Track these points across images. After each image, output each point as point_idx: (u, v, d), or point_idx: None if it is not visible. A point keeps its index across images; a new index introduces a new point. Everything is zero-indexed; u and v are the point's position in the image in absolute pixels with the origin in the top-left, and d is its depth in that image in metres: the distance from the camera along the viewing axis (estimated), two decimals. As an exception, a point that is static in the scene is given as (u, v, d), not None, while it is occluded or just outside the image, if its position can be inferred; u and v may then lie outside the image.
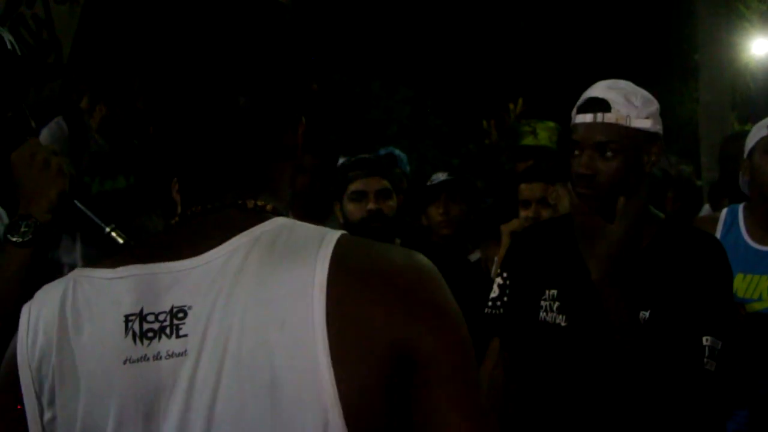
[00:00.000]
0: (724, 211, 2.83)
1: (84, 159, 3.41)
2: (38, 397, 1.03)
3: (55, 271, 3.34)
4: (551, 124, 4.35)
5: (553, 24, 14.60)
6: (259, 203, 1.07)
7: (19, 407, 1.83)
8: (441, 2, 14.37)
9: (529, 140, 4.42)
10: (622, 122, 2.06)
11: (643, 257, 2.07)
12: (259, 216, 1.04)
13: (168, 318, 0.99)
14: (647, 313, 2.03)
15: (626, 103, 2.06)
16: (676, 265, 2.07)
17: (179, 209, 2.28)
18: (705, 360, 1.96)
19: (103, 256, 1.10)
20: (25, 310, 1.07)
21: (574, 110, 2.13)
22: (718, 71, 10.27)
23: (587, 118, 2.08)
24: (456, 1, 14.45)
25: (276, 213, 1.06)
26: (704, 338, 1.98)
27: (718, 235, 2.71)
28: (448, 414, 0.96)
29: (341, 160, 3.36)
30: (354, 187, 2.81)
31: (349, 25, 13.33)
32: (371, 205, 2.76)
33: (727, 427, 2.54)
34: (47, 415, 1.02)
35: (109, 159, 3.45)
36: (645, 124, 2.06)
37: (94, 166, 3.43)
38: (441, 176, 3.83)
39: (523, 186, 3.65)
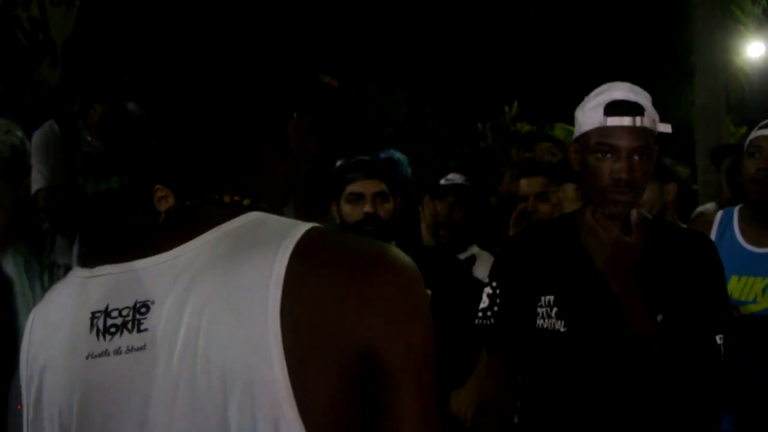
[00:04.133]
0: (720, 212, 2.84)
1: (77, 160, 3.42)
2: (27, 396, 1.06)
3: (52, 271, 3.34)
4: (572, 128, 4.37)
5: (549, 27, 14.61)
6: (236, 198, 1.06)
7: (19, 407, 1.83)
8: (437, 5, 14.37)
9: (545, 130, 4.42)
10: (653, 127, 2.04)
11: (642, 260, 2.07)
12: (234, 211, 1.03)
13: (131, 313, 0.98)
14: (660, 317, 2.03)
15: (651, 106, 2.06)
16: (675, 267, 2.07)
17: (162, 216, 2.28)
18: (721, 359, 1.99)
19: (97, 256, 1.11)
20: (31, 313, 1.10)
21: (599, 111, 2.05)
22: (714, 74, 10.28)
23: (625, 121, 2.01)
24: (452, 4, 14.45)
25: (253, 208, 1.05)
26: (717, 337, 2.00)
27: (712, 236, 2.71)
28: (399, 421, 0.94)
29: (339, 162, 3.36)
30: (351, 188, 2.81)
31: (345, 27, 13.32)
32: (368, 208, 2.76)
33: (722, 427, 2.55)
34: (31, 414, 1.05)
35: (103, 159, 3.45)
36: (667, 128, 2.06)
37: (88, 167, 3.43)
38: (457, 178, 3.82)
39: (522, 181, 3.65)
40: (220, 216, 1.02)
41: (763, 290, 2.61)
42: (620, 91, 2.05)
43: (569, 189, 3.37)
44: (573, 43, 14.50)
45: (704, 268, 2.09)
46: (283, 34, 1.11)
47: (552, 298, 2.10)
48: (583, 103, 2.11)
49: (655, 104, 2.12)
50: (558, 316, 2.08)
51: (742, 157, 2.71)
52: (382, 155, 5.06)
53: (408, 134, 14.76)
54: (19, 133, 2.39)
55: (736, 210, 2.78)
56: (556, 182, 3.46)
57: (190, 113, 1.05)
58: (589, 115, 2.06)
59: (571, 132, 2.32)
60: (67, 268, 3.36)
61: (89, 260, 1.09)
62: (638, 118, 2.01)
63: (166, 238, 1.02)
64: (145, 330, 0.97)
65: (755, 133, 2.66)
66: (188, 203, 1.07)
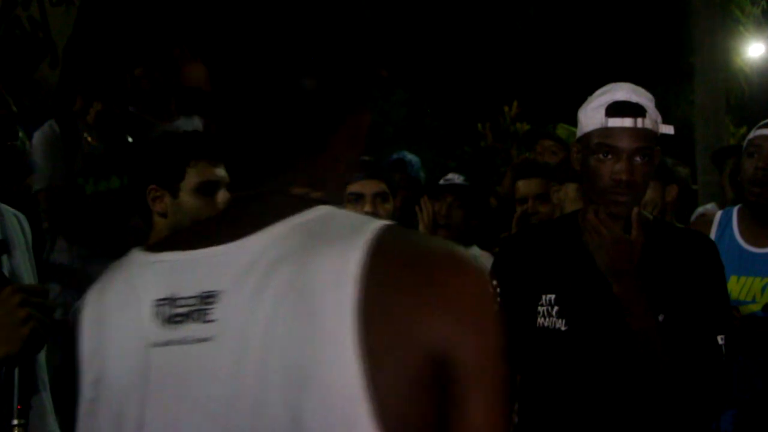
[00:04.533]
0: (719, 213, 2.84)
1: (77, 161, 3.42)
2: (83, 378, 1.04)
3: (51, 272, 3.34)
4: (574, 129, 4.38)
5: (549, 28, 14.61)
6: (305, 191, 1.03)
7: (19, 407, 1.82)
8: (436, 5, 14.38)
9: (548, 128, 4.42)
10: (654, 128, 2.05)
11: (641, 260, 2.08)
12: (304, 204, 1.00)
13: (197, 303, 0.96)
14: (661, 317, 2.03)
15: (653, 108, 2.06)
16: (677, 267, 2.08)
17: (155, 217, 2.26)
18: (723, 359, 1.99)
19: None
20: (87, 294, 1.08)
21: (600, 112, 2.05)
22: (714, 74, 10.29)
23: (626, 122, 2.02)
24: (452, 5, 14.46)
25: (322, 202, 1.02)
26: (718, 337, 2.01)
27: (712, 236, 2.71)
28: (469, 423, 0.92)
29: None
30: (352, 188, 2.81)
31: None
32: (368, 208, 2.76)
33: (720, 426, 2.55)
34: (87, 394, 1.03)
35: (103, 160, 3.45)
36: (669, 130, 2.07)
37: (88, 168, 3.43)
38: (456, 179, 3.82)
39: (520, 183, 3.64)
40: (289, 208, 0.99)
41: (762, 290, 2.62)
42: (623, 92, 2.06)
43: (570, 189, 3.37)
44: (573, 43, 14.51)
45: (705, 268, 2.09)
46: (360, 22, 1.08)
47: (553, 296, 2.10)
48: (585, 104, 2.11)
49: (655, 104, 2.13)
50: (559, 315, 2.09)
51: (742, 157, 2.71)
52: (394, 157, 5.07)
53: (408, 134, 14.77)
54: (20, 134, 2.40)
55: (735, 210, 2.78)
56: (557, 182, 3.46)
57: (264, 101, 1.02)
58: (591, 115, 2.06)
59: (573, 132, 2.32)
60: (67, 268, 3.36)
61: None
62: (640, 120, 2.02)
63: (232, 227, 1.00)
64: (212, 321, 0.95)
65: (754, 133, 2.67)
66: (254, 193, 1.03)
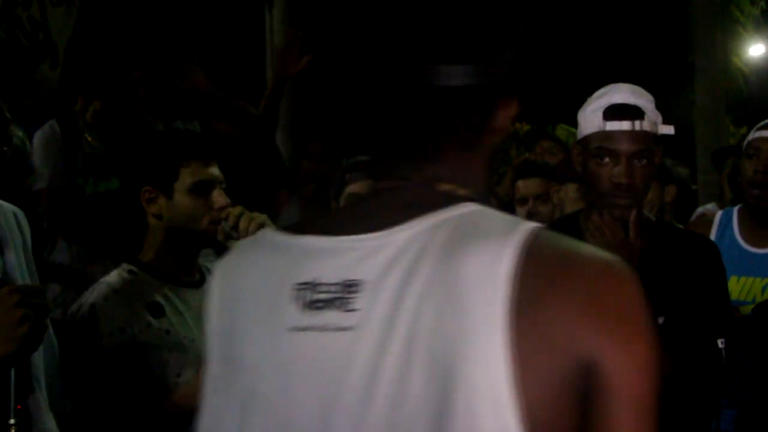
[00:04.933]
0: (719, 213, 2.84)
1: (77, 161, 3.42)
2: (213, 349, 1.04)
3: (51, 272, 3.34)
4: (574, 129, 4.39)
5: (548, 28, 14.61)
6: (453, 187, 1.01)
7: (19, 407, 1.82)
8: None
9: (548, 129, 4.45)
10: (653, 130, 2.04)
11: (643, 262, 2.08)
12: (451, 200, 0.97)
13: (339, 291, 0.94)
14: (661, 320, 2.03)
15: (653, 109, 2.05)
16: (678, 269, 2.07)
17: (150, 219, 2.25)
18: (723, 362, 1.99)
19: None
20: (217, 268, 1.08)
21: (598, 115, 2.05)
22: (714, 74, 10.30)
23: (624, 125, 2.01)
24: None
25: (470, 199, 0.99)
26: (719, 341, 2.00)
27: (712, 237, 2.72)
28: None
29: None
30: (350, 189, 2.82)
31: (345, 28, 13.32)
32: (367, 208, 2.77)
33: (720, 426, 2.55)
34: (215, 370, 1.03)
35: (103, 160, 3.45)
36: (669, 130, 2.06)
37: (88, 168, 3.43)
38: None
39: (520, 183, 3.64)
40: (436, 202, 0.96)
41: (763, 290, 2.62)
42: (621, 94, 2.05)
43: (570, 189, 3.37)
44: (573, 43, 14.51)
45: (707, 271, 2.09)
46: (513, 13, 1.05)
47: None
48: (584, 106, 2.10)
49: (655, 105, 2.12)
50: None
51: (741, 159, 2.71)
52: None
53: (408, 134, 14.76)
54: (20, 134, 2.40)
55: (735, 211, 2.79)
56: (557, 182, 3.46)
57: (416, 93, 0.99)
58: (590, 118, 2.06)
59: (573, 133, 2.31)
60: (67, 269, 3.36)
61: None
62: (638, 122, 2.01)
63: (376, 217, 0.97)
64: (355, 310, 0.93)
65: (753, 135, 2.66)
66: (399, 184, 1.01)
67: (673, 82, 13.14)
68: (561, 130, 4.44)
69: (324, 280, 0.96)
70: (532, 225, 0.92)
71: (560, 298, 0.88)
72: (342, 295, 0.94)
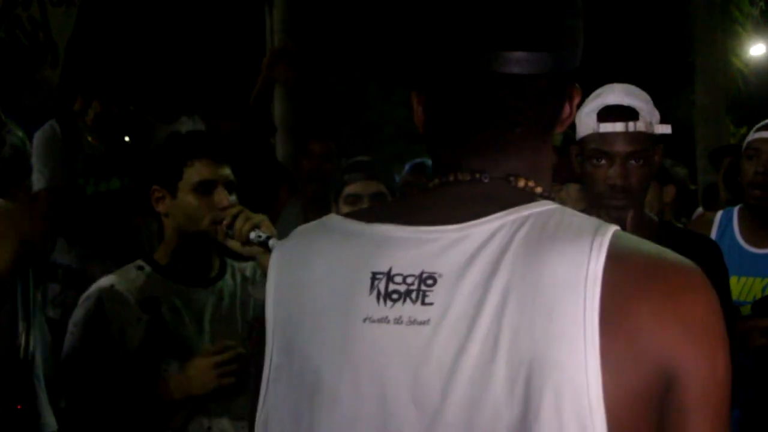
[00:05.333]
0: (720, 213, 2.84)
1: (78, 161, 3.42)
2: (272, 338, 0.99)
3: (50, 272, 3.34)
4: None
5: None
6: (530, 183, 0.98)
7: (19, 407, 1.82)
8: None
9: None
10: (649, 130, 2.03)
11: None
12: (529, 196, 0.96)
13: (416, 282, 0.91)
14: None
15: (649, 108, 2.05)
16: None
17: (162, 218, 2.27)
18: None
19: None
20: (276, 251, 1.04)
21: (593, 117, 2.04)
22: (714, 74, 10.30)
23: (618, 127, 2.01)
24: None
25: (546, 197, 0.97)
26: None
27: (712, 236, 2.71)
28: None
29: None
30: (349, 190, 2.81)
31: (345, 28, 13.33)
32: (364, 209, 2.76)
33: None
34: (275, 360, 0.99)
35: (103, 160, 3.45)
36: (666, 129, 2.05)
37: (89, 168, 3.44)
38: None
39: None
40: (513, 198, 0.94)
41: (763, 290, 2.62)
42: (614, 95, 2.05)
43: (572, 189, 3.37)
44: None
45: (710, 271, 2.09)
46: (580, 10, 1.02)
47: None
48: (581, 107, 2.10)
49: (654, 104, 2.12)
50: None
51: (741, 159, 2.71)
52: (417, 161, 5.10)
53: (408, 134, 14.76)
54: (20, 134, 2.40)
55: (735, 211, 2.78)
56: (558, 182, 3.47)
57: (487, 81, 0.97)
58: (585, 121, 2.06)
59: (564, 135, 2.26)
60: (67, 269, 3.36)
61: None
62: (632, 123, 2.01)
63: (452, 209, 0.95)
64: (431, 304, 0.90)
65: (753, 136, 2.66)
66: (475, 177, 0.98)
67: (673, 82, 13.15)
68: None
69: (401, 271, 0.93)
70: (613, 227, 0.91)
71: (647, 305, 0.87)
72: (419, 287, 0.92)
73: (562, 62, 0.98)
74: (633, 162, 2.01)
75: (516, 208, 0.92)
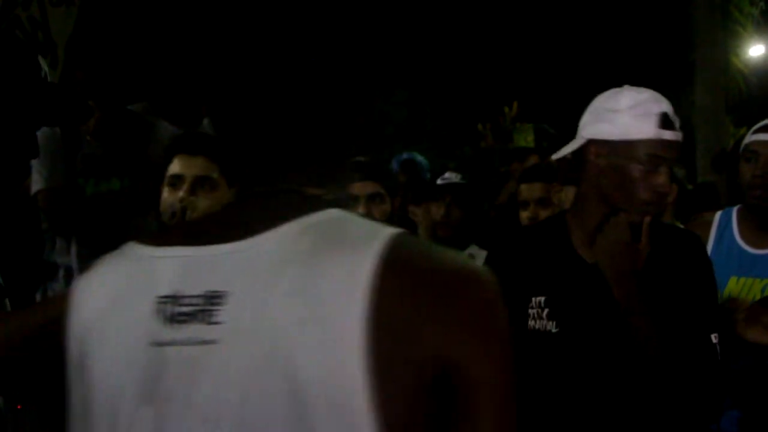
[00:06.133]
0: (719, 214, 2.84)
1: (77, 161, 3.42)
2: (73, 374, 1.00)
3: (50, 272, 3.34)
4: (527, 125, 4.40)
5: (549, 27, 14.61)
6: (318, 192, 1.00)
7: (19, 407, 1.82)
8: (436, 6, 14.38)
9: (508, 146, 4.50)
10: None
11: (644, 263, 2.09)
12: (316, 205, 0.97)
13: (202, 303, 0.92)
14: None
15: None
16: (669, 266, 2.08)
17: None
18: (718, 358, 2.00)
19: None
20: (77, 284, 1.04)
21: (651, 123, 2.01)
22: (714, 74, 10.31)
23: (677, 135, 2.02)
24: (451, 5, 14.45)
25: (334, 204, 0.98)
26: (712, 336, 2.01)
27: (711, 237, 2.72)
28: None
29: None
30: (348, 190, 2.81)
31: (344, 28, 13.32)
32: (361, 210, 2.76)
33: (720, 427, 2.55)
34: (78, 393, 0.99)
35: (103, 161, 3.45)
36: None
37: (88, 169, 3.44)
38: (454, 177, 3.84)
39: (523, 186, 3.66)
40: (300, 208, 0.96)
41: (762, 291, 2.61)
42: (663, 102, 2.04)
43: (571, 192, 3.36)
44: (573, 43, 14.50)
45: (696, 267, 2.10)
46: (360, 27, 1.06)
47: (543, 299, 2.10)
48: (614, 105, 2.06)
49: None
50: (550, 317, 2.08)
51: (739, 161, 2.70)
52: (405, 156, 5.10)
53: (408, 134, 14.77)
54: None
55: (734, 211, 2.78)
56: (559, 183, 3.47)
57: (278, 100, 0.99)
58: (635, 123, 2.01)
59: (528, 130, 2.21)
60: (67, 269, 3.37)
61: (153, 237, 1.03)
62: (679, 133, 2.03)
63: (241, 225, 0.96)
64: (218, 323, 0.91)
65: (750, 138, 2.66)
66: (265, 190, 1.00)
67: (673, 83, 13.15)
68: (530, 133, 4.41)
69: (187, 293, 0.94)
70: (393, 231, 0.92)
71: (419, 305, 0.88)
72: (205, 307, 0.92)
73: (332, 90, 1.01)
74: (669, 170, 2.03)
75: (299, 219, 0.94)
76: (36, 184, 3.34)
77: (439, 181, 3.87)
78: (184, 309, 0.93)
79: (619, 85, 2.14)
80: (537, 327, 2.09)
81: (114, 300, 0.98)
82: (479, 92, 14.48)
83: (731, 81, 11.59)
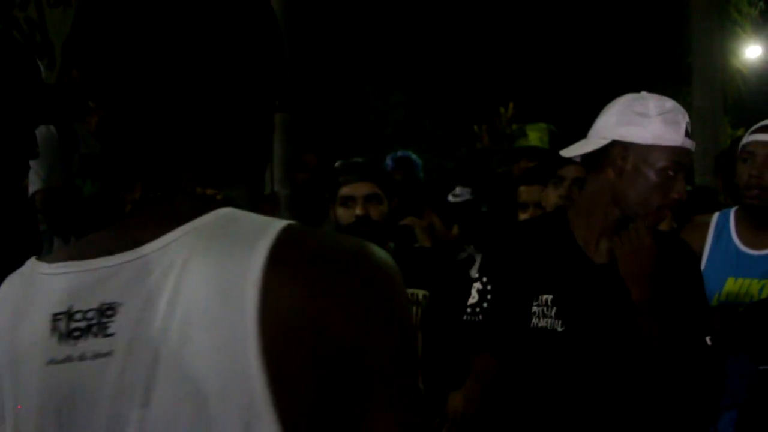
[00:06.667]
0: (716, 215, 2.84)
1: (75, 162, 3.42)
2: None
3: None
4: (542, 125, 4.38)
5: (546, 29, 14.62)
6: (209, 191, 0.97)
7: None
8: (434, 7, 14.38)
9: (520, 142, 4.47)
10: None
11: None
12: (204, 206, 0.94)
13: (96, 316, 0.91)
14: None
15: None
16: (663, 270, 2.08)
17: (127, 207, 2.30)
18: (714, 359, 2.02)
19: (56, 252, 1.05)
20: None
21: (680, 131, 2.07)
22: (711, 76, 10.30)
23: (690, 144, 2.09)
24: (449, 6, 14.46)
25: (226, 203, 0.96)
26: (707, 339, 2.03)
27: (709, 239, 2.72)
28: (376, 423, 0.88)
29: (337, 163, 3.38)
30: (343, 191, 2.81)
31: (342, 30, 13.33)
32: (358, 211, 2.76)
33: (718, 428, 2.55)
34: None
35: (100, 161, 3.45)
36: None
37: (86, 169, 3.43)
38: (465, 194, 3.89)
39: (522, 188, 3.67)
40: (190, 210, 0.93)
41: (760, 292, 2.62)
42: (685, 113, 2.10)
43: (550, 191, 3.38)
44: (570, 45, 14.51)
45: (687, 271, 2.13)
46: (265, 26, 1.01)
47: (550, 297, 2.09)
48: (643, 110, 2.08)
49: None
50: (557, 316, 2.08)
51: (736, 162, 2.71)
52: (400, 154, 5.12)
53: (406, 135, 14.77)
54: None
55: (732, 212, 2.78)
56: (538, 183, 3.50)
57: (162, 98, 0.96)
58: (667, 130, 2.06)
59: (544, 130, 2.24)
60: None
61: (46, 254, 1.02)
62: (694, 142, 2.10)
63: (133, 234, 0.94)
64: (112, 334, 0.90)
65: (747, 138, 2.67)
66: (156, 194, 0.98)
67: (671, 84, 13.17)
68: (533, 132, 4.38)
69: (81, 307, 0.92)
70: (282, 224, 0.90)
71: (312, 296, 0.87)
72: (99, 320, 0.91)
73: (223, 87, 0.97)
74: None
75: (189, 223, 0.92)
76: (34, 184, 3.34)
77: (450, 198, 3.90)
78: (79, 324, 0.92)
79: (618, 86, 2.16)
80: (542, 325, 2.09)
81: (12, 320, 0.97)
82: (478, 93, 14.49)
83: (729, 82, 11.60)
